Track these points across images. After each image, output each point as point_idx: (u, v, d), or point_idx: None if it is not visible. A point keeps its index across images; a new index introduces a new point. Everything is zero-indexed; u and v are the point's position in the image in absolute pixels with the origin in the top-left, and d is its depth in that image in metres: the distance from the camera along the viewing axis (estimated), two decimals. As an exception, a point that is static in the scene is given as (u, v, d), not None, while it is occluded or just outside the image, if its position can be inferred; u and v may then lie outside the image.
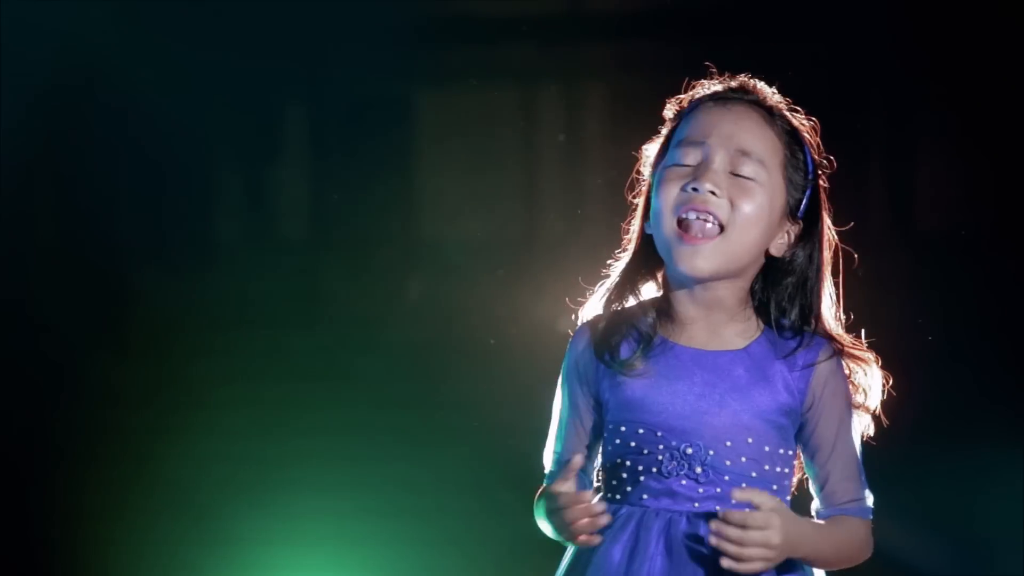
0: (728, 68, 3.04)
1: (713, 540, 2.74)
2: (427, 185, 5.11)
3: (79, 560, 5.01)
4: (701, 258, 2.87)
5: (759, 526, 2.74)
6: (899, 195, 4.94)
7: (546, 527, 2.90)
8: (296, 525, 4.95)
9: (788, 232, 2.96)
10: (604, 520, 2.80)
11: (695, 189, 2.88)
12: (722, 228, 2.87)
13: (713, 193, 2.87)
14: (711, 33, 4.80)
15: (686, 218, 2.88)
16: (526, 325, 4.42)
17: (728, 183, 2.88)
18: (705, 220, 2.87)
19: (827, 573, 2.95)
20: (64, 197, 5.13)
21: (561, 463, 2.99)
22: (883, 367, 2.99)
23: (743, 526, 2.73)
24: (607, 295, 3.01)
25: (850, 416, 2.94)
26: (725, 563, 2.75)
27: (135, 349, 5.04)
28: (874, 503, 2.95)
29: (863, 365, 2.95)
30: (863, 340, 2.99)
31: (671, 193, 2.90)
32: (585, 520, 2.80)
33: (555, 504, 2.82)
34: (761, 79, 3.04)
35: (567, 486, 2.79)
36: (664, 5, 4.91)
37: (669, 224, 2.89)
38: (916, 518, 4.60)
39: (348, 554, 4.94)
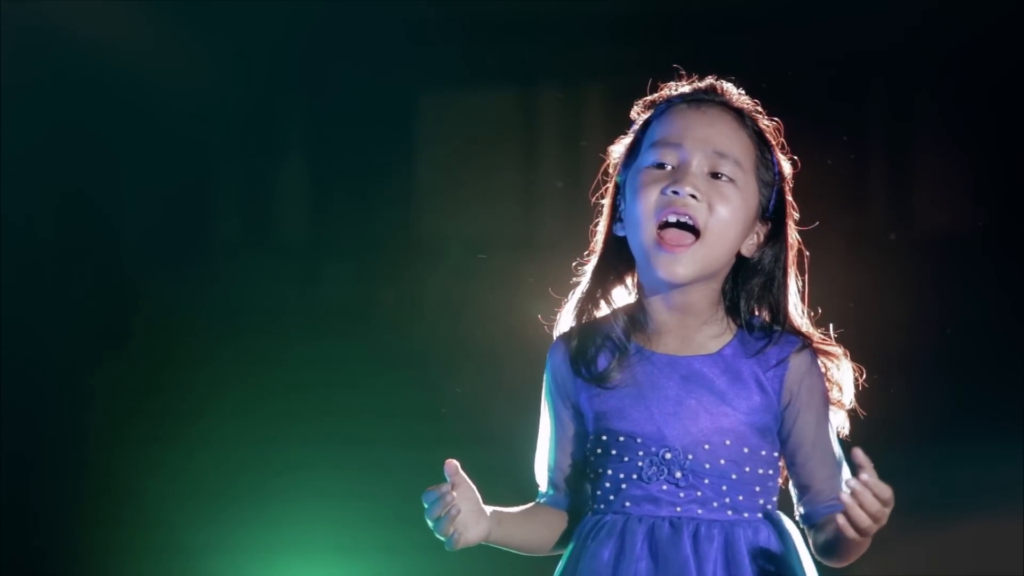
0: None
1: (846, 498, 2.69)
2: (429, 186, 5.12)
3: (78, 565, 5.04)
4: (681, 265, 2.89)
5: (888, 504, 2.71)
6: (899, 195, 4.96)
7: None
8: (296, 531, 4.97)
9: (758, 233, 2.99)
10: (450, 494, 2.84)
11: (675, 192, 2.89)
12: (699, 233, 2.89)
13: (693, 196, 2.89)
14: (713, 32, 4.81)
15: (667, 221, 2.89)
16: (528, 326, 4.45)
17: (707, 186, 2.90)
18: (684, 224, 2.88)
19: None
20: (65, 198, 5.13)
21: (552, 480, 3.04)
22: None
23: (884, 502, 2.70)
24: (578, 305, 3.02)
25: (828, 414, 2.96)
26: (840, 520, 2.71)
27: (136, 353, 5.06)
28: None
29: (833, 360, 2.97)
30: (832, 335, 3.00)
31: (650, 197, 2.90)
32: (439, 508, 2.85)
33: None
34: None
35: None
36: (664, 5, 4.93)
37: (649, 231, 2.90)
38: (917, 518, 4.55)
39: (348, 560, 4.96)
